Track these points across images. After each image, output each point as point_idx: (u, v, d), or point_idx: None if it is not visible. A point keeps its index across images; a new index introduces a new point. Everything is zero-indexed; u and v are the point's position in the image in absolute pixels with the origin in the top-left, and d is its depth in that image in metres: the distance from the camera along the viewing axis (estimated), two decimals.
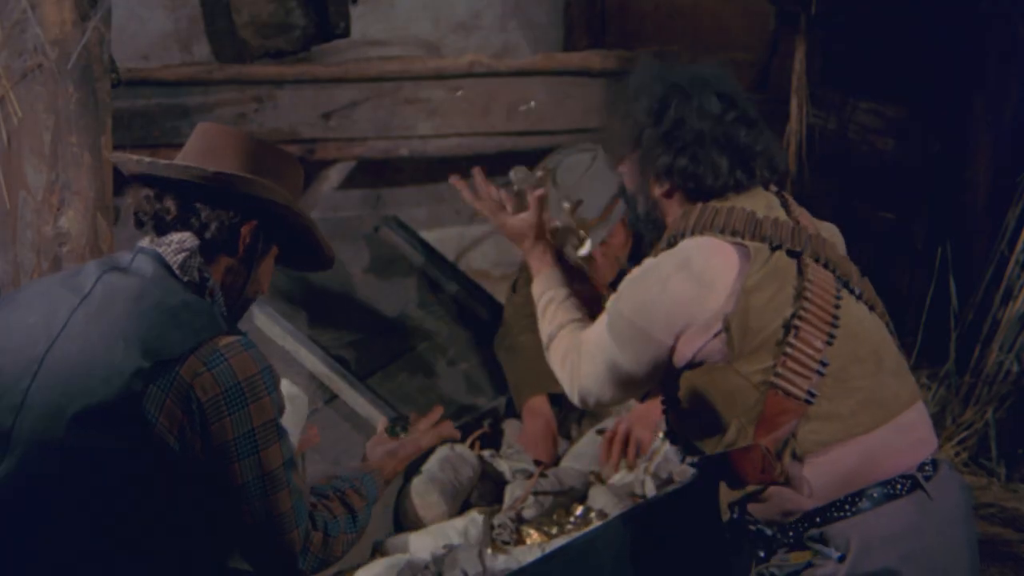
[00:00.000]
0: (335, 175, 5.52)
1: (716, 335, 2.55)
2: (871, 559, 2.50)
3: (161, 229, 2.41)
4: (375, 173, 5.91)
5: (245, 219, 2.42)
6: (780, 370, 2.52)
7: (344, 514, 2.46)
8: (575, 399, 2.84)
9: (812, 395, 2.51)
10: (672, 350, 2.61)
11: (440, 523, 3.36)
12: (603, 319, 2.75)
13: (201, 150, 2.45)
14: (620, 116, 2.79)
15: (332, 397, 3.72)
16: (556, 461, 3.78)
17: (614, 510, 3.38)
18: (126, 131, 4.60)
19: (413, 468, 3.50)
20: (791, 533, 2.60)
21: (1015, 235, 4.71)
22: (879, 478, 2.54)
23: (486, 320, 4.36)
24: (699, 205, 2.70)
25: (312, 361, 3.74)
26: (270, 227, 2.47)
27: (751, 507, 2.63)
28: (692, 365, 2.60)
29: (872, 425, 2.55)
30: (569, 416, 4.03)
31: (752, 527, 2.66)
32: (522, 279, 4.04)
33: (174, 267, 2.36)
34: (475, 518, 3.31)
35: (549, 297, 2.99)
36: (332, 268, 2.64)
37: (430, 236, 5.28)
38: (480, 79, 5.58)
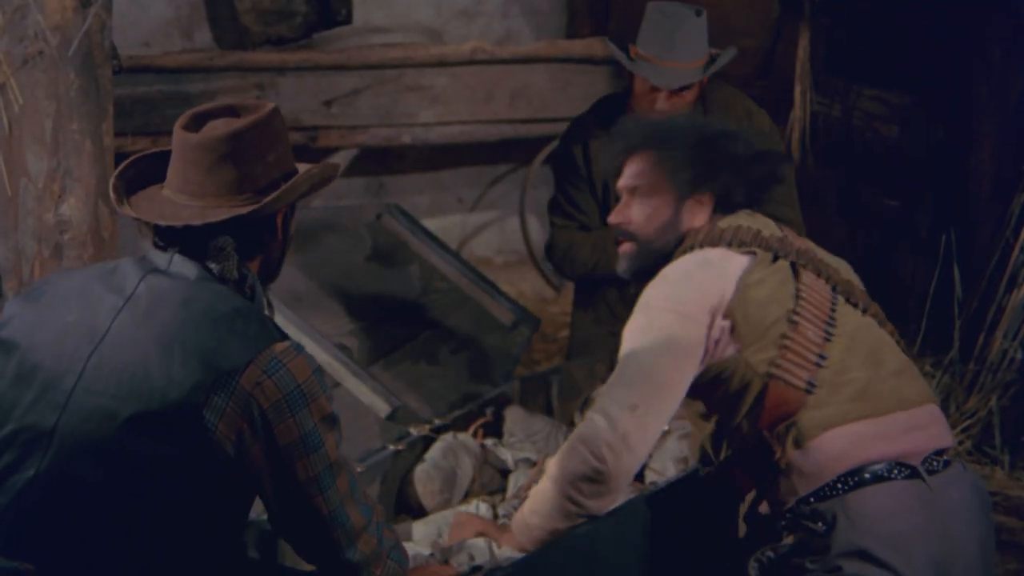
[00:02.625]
0: (337, 162, 5.51)
1: (726, 318, 2.68)
2: (856, 532, 2.54)
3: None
4: (377, 161, 5.92)
5: (276, 213, 2.43)
6: (780, 361, 2.64)
7: (399, 550, 2.50)
8: (618, 450, 2.63)
9: (812, 385, 2.62)
10: (707, 337, 2.68)
11: (442, 511, 3.36)
12: (627, 347, 2.75)
13: (197, 166, 2.36)
14: (680, 145, 2.92)
15: (334, 385, 3.71)
16: None
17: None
18: (127, 118, 4.61)
19: (416, 457, 3.50)
20: (787, 516, 2.65)
21: (1020, 222, 4.70)
22: (871, 459, 2.58)
23: (488, 308, 4.35)
24: (714, 220, 2.86)
25: (314, 349, 3.72)
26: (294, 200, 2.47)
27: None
28: (712, 367, 2.70)
29: (865, 414, 2.61)
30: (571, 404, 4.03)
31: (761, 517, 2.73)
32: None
33: (214, 270, 2.35)
34: (478, 506, 3.31)
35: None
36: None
37: (432, 224, 5.28)
38: (482, 66, 5.58)
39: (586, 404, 4.06)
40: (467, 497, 3.52)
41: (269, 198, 2.36)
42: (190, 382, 2.22)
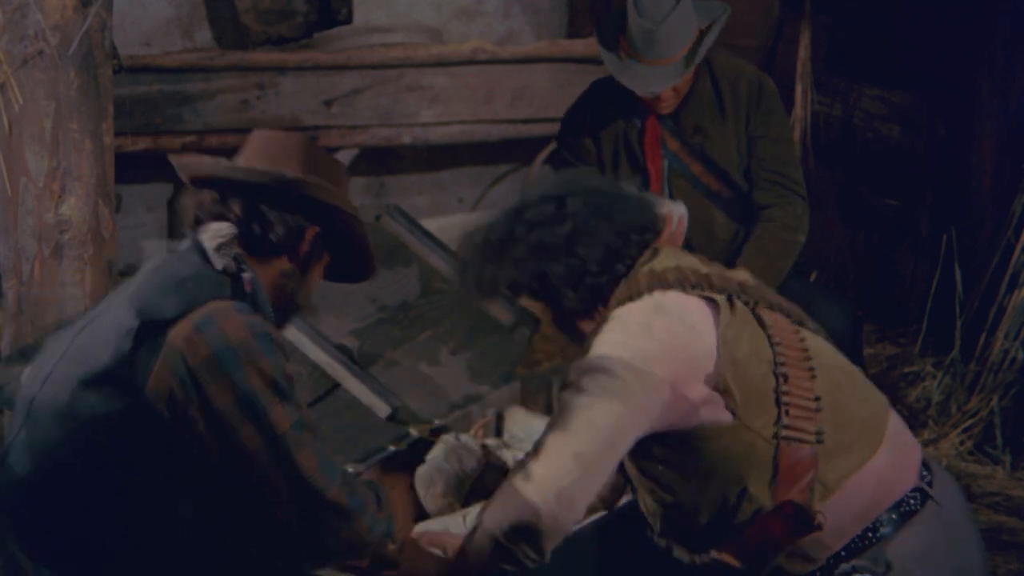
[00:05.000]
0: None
1: (715, 389, 2.42)
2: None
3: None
4: (377, 161, 5.91)
5: (309, 224, 2.42)
6: (786, 421, 2.43)
7: (380, 504, 2.38)
8: (549, 514, 2.34)
9: (820, 434, 2.45)
10: (667, 402, 2.40)
11: (444, 516, 3.36)
12: (568, 404, 2.41)
13: (261, 154, 2.44)
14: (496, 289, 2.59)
15: (334, 386, 3.71)
16: None
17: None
18: (127, 118, 4.60)
19: (418, 458, 3.50)
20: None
21: (1021, 222, 4.70)
22: (896, 497, 2.50)
23: (488, 308, 4.34)
24: (637, 275, 2.51)
25: (314, 350, 3.73)
26: (329, 234, 2.46)
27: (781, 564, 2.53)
28: (699, 430, 2.44)
29: (875, 447, 2.50)
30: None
31: None
32: None
33: (208, 252, 2.34)
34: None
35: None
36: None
37: (432, 224, 5.26)
38: (483, 66, 5.57)
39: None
40: (470, 502, 3.51)
41: (312, 179, 2.38)
42: (123, 331, 2.22)
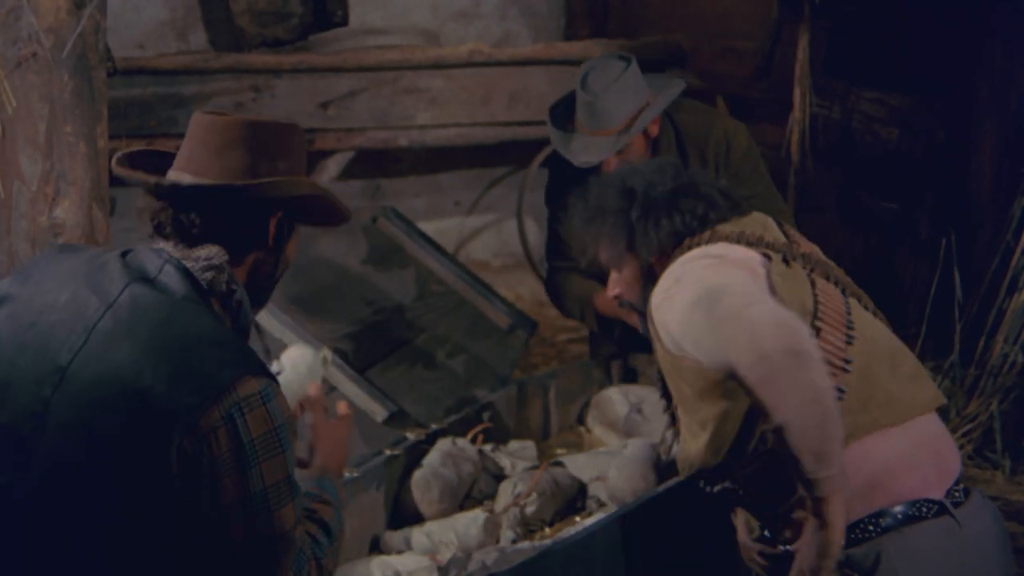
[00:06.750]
0: (333, 165, 5.52)
1: None
2: None
3: (186, 239, 2.35)
4: (374, 163, 5.92)
5: (271, 213, 2.39)
6: None
7: (320, 532, 2.40)
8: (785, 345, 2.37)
9: (841, 391, 2.49)
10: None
11: (440, 520, 3.35)
12: (703, 315, 2.49)
13: (206, 147, 2.37)
14: (602, 226, 2.86)
15: (330, 389, 3.71)
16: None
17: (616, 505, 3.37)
18: (122, 121, 4.60)
19: (414, 462, 3.49)
20: None
21: (1020, 225, 4.69)
22: (901, 495, 2.50)
23: (485, 311, 4.34)
24: (678, 252, 2.75)
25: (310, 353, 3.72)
26: (295, 210, 2.43)
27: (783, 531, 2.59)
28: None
29: (889, 421, 2.51)
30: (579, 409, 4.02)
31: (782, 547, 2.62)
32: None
33: (202, 284, 2.31)
34: (476, 516, 3.29)
35: None
36: (345, 222, 2.54)
37: (429, 227, 5.27)
38: (480, 68, 5.57)
39: (586, 407, 4.05)
40: (465, 505, 3.51)
41: (263, 180, 2.33)
42: (156, 408, 2.14)
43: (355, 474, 3.26)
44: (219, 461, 2.16)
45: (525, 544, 3.17)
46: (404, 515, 3.44)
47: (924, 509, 2.50)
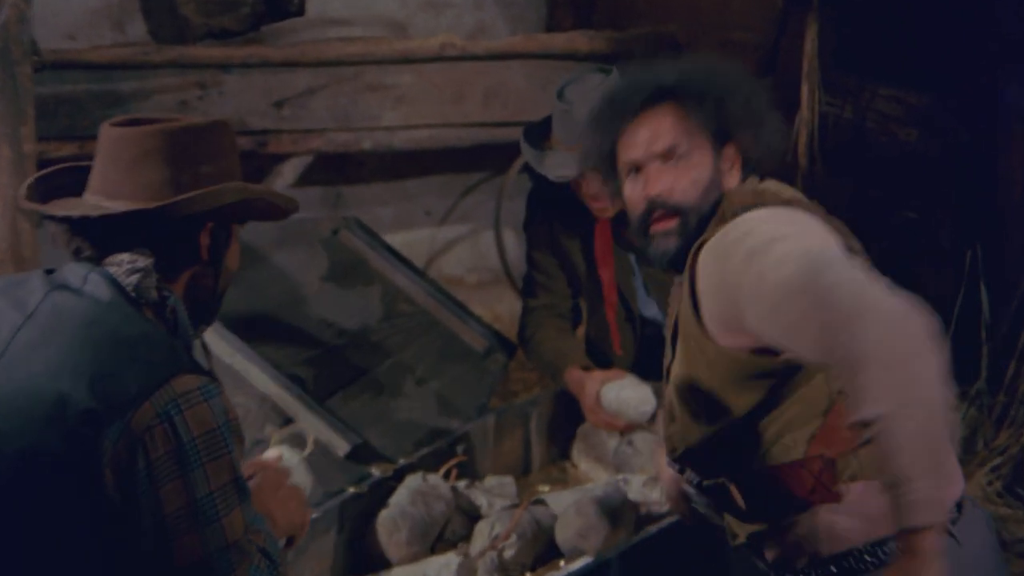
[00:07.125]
0: (289, 171, 5.51)
1: None
2: None
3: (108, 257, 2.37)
4: (334, 169, 5.92)
5: (200, 227, 2.39)
6: None
7: (262, 558, 2.38)
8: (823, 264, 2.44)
9: None
10: None
11: (409, 565, 3.35)
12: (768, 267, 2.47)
13: (117, 163, 2.37)
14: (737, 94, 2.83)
15: (287, 421, 3.70)
16: None
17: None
18: (51, 120, 4.59)
19: (380, 501, 3.48)
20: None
21: None
22: None
23: (459, 333, 4.34)
24: (747, 183, 2.76)
25: (264, 381, 3.74)
26: (227, 217, 2.43)
27: (766, 545, 2.64)
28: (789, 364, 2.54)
29: None
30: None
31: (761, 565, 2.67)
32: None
33: (128, 289, 2.31)
34: (449, 561, 3.28)
35: None
36: (293, 212, 2.54)
37: (396, 239, 5.28)
38: (452, 63, 5.58)
39: (572, 439, 4.06)
40: (437, 548, 3.50)
41: (179, 197, 2.32)
42: (76, 410, 2.15)
43: (313, 515, 3.23)
44: (157, 465, 2.16)
45: None
46: (369, 560, 3.44)
47: None
